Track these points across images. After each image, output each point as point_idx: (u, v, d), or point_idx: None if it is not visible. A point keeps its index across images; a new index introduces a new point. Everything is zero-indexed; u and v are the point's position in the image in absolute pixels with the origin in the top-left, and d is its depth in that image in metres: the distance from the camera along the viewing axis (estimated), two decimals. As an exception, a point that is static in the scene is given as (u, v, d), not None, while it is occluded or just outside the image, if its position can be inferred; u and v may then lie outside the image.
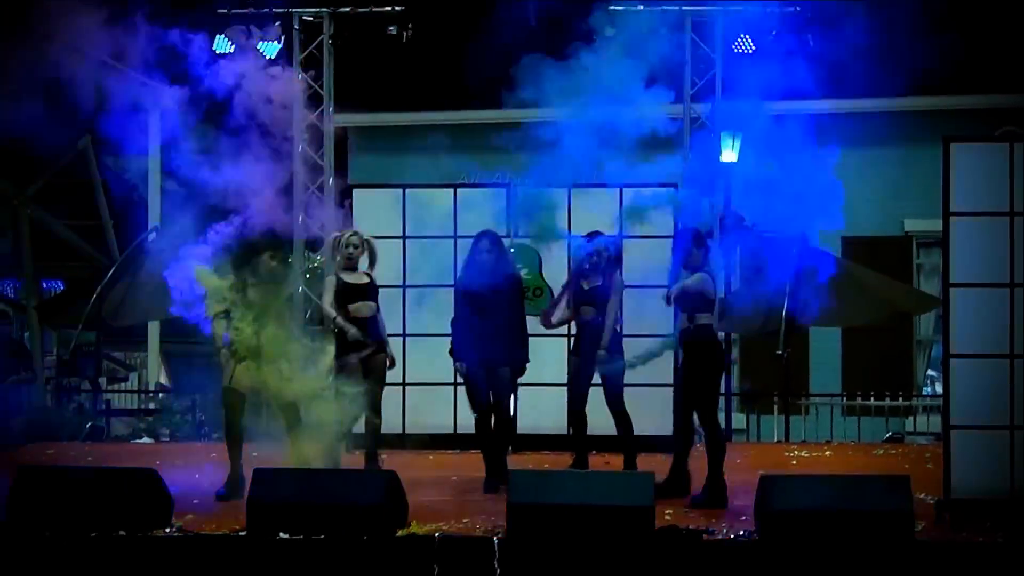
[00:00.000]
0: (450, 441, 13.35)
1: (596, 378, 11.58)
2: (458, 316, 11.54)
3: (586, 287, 11.57)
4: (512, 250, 12.84)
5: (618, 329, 11.57)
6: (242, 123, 11.06)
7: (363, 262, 11.56)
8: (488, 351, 11.26)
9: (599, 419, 11.76)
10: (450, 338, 11.57)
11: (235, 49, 11.83)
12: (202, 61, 10.95)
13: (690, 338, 10.43)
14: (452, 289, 11.89)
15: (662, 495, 9.96)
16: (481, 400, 11.42)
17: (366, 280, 11.52)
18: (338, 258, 11.51)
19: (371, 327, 11.42)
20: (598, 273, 11.52)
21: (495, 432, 11.50)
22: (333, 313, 11.23)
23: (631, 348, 11.51)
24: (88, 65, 11.21)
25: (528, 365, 11.64)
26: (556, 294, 12.17)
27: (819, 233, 11.75)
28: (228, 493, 10.64)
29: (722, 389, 11.96)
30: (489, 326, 11.24)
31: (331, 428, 10.72)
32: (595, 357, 11.31)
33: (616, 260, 11.75)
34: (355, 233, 11.61)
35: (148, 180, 17.29)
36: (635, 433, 11.96)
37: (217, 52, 11.69)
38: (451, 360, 11.67)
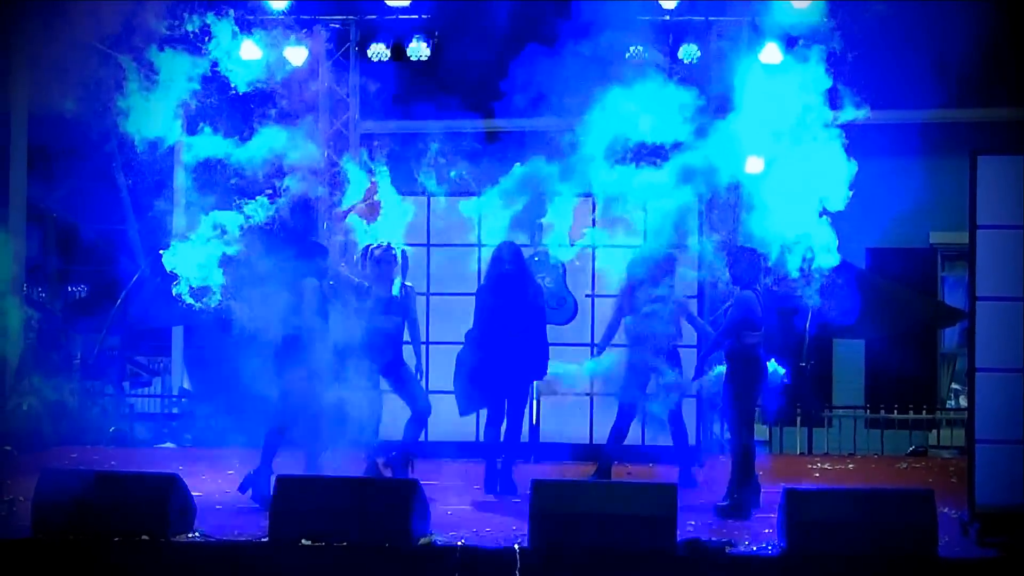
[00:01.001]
0: (472, 450, 13.33)
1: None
2: (468, 353, 11.62)
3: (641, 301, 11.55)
4: (536, 259, 12.88)
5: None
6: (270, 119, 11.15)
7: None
8: (509, 363, 11.31)
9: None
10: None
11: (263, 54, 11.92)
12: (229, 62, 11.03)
13: (734, 354, 10.42)
14: (470, 297, 11.94)
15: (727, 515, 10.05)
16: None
17: (396, 292, 11.58)
18: (368, 270, 11.57)
19: (392, 341, 11.49)
20: (655, 284, 11.50)
21: (505, 440, 11.61)
22: None
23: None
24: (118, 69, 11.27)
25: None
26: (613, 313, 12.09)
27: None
28: (250, 486, 10.62)
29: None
30: (510, 338, 11.29)
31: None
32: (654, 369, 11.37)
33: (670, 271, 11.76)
34: (388, 247, 11.63)
35: (173, 185, 17.35)
36: (655, 445, 12.01)
37: (244, 57, 11.75)
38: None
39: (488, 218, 12.59)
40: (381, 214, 11.80)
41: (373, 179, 11.75)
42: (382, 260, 11.56)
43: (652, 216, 12.17)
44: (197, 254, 10.56)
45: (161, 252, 10.68)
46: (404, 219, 11.96)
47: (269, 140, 11.05)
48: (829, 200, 10.46)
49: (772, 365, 10.76)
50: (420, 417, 11.70)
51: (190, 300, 10.58)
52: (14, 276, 12.30)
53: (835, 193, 10.45)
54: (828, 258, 10.41)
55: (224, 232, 10.61)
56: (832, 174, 10.48)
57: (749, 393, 10.35)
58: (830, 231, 10.42)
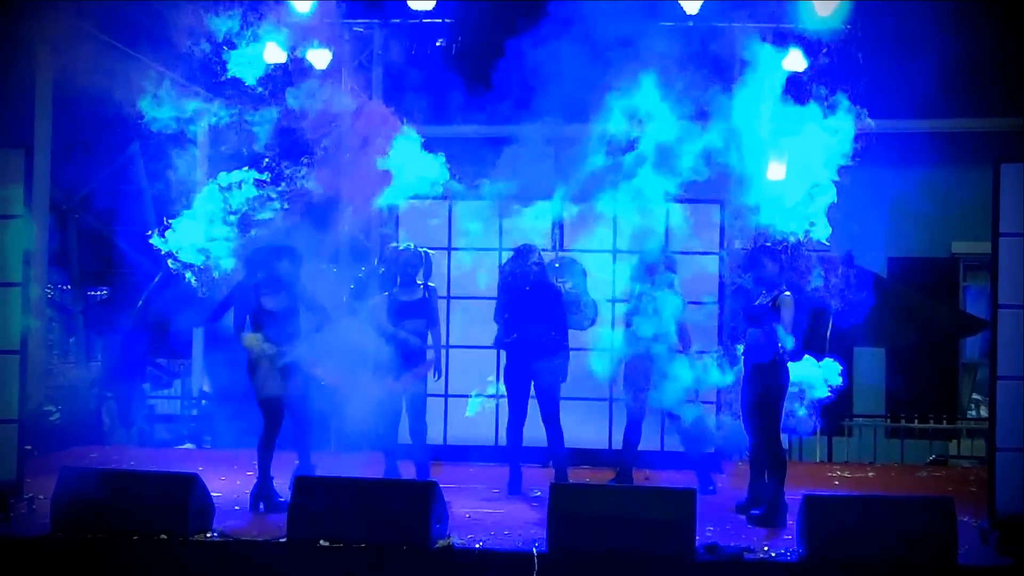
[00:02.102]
0: (491, 453, 13.33)
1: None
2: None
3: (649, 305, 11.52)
4: (557, 265, 12.88)
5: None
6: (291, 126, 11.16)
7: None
8: (533, 364, 11.33)
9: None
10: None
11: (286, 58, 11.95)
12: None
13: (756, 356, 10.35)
14: (495, 301, 11.94)
15: (761, 524, 10.02)
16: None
17: (420, 295, 11.57)
18: (396, 273, 11.59)
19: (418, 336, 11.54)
20: (651, 286, 11.47)
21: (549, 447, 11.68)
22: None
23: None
24: (140, 71, 11.29)
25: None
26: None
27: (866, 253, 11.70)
28: (259, 502, 10.62)
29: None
30: (531, 339, 11.31)
31: None
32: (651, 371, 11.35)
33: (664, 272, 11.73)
34: (415, 251, 11.64)
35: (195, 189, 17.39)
36: (674, 451, 12.01)
37: (268, 61, 11.78)
38: (492, 373, 11.79)
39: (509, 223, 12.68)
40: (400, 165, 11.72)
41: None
42: (409, 263, 11.56)
43: (674, 220, 12.19)
44: (196, 228, 10.56)
45: (148, 233, 10.66)
46: (426, 171, 11.85)
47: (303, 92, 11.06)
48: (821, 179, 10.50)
49: (828, 369, 10.72)
50: (413, 418, 11.70)
51: (189, 276, 10.59)
52: (36, 271, 12.34)
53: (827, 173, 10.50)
54: (820, 231, 10.41)
55: (231, 195, 10.60)
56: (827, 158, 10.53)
57: (774, 396, 10.27)
58: (821, 202, 10.41)
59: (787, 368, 10.24)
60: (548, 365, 11.42)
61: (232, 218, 10.63)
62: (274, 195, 10.83)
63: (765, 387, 10.22)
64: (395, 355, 11.38)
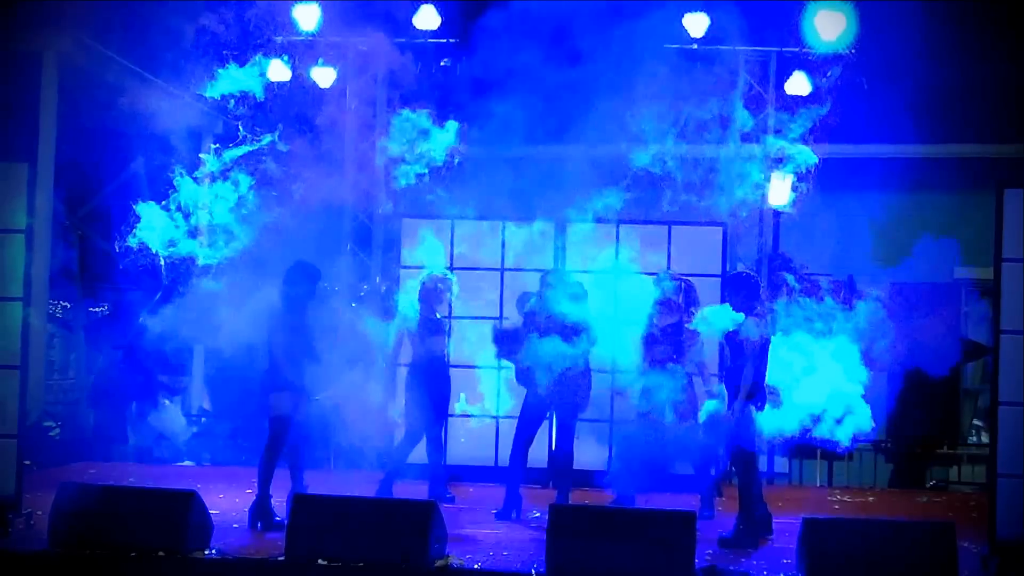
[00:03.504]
0: (491, 473, 13.30)
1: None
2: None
3: (657, 329, 11.39)
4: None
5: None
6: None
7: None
8: (558, 393, 11.23)
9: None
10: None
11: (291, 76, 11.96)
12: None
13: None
14: (493, 321, 11.94)
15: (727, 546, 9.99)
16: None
17: (440, 314, 11.70)
18: (427, 299, 11.63)
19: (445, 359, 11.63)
20: (674, 313, 11.36)
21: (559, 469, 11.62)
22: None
23: None
24: (145, 88, 11.30)
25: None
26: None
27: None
28: (257, 520, 10.58)
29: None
30: (559, 369, 11.19)
31: None
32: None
33: (692, 300, 11.68)
34: (444, 276, 11.71)
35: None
36: (675, 474, 11.96)
37: (272, 79, 11.80)
38: (491, 394, 11.79)
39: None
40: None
41: None
42: (443, 289, 11.67)
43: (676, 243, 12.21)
44: (165, 219, 10.58)
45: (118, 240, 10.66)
46: (438, 143, 11.84)
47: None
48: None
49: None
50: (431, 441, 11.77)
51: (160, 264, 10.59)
52: (37, 286, 12.33)
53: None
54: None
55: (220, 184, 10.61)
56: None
57: (748, 418, 10.27)
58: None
59: (763, 392, 10.23)
60: (572, 393, 11.28)
61: (218, 208, 10.62)
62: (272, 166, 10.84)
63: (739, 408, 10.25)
64: (431, 377, 11.47)
